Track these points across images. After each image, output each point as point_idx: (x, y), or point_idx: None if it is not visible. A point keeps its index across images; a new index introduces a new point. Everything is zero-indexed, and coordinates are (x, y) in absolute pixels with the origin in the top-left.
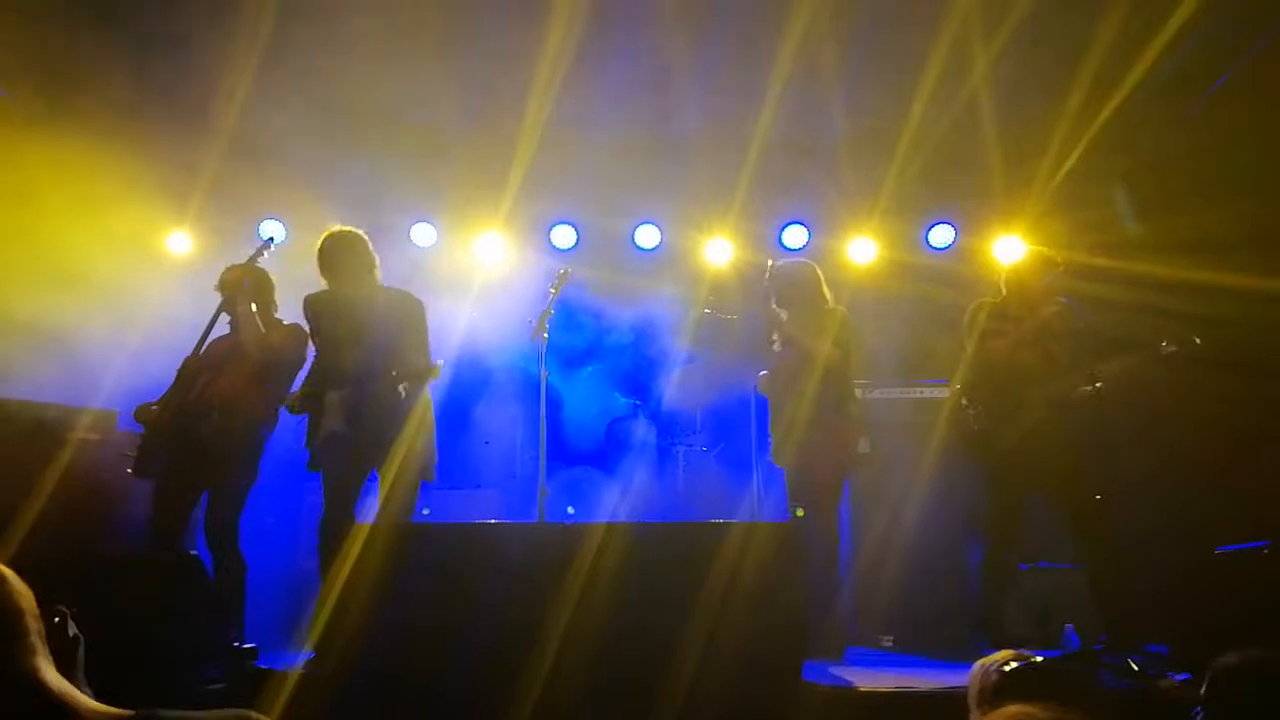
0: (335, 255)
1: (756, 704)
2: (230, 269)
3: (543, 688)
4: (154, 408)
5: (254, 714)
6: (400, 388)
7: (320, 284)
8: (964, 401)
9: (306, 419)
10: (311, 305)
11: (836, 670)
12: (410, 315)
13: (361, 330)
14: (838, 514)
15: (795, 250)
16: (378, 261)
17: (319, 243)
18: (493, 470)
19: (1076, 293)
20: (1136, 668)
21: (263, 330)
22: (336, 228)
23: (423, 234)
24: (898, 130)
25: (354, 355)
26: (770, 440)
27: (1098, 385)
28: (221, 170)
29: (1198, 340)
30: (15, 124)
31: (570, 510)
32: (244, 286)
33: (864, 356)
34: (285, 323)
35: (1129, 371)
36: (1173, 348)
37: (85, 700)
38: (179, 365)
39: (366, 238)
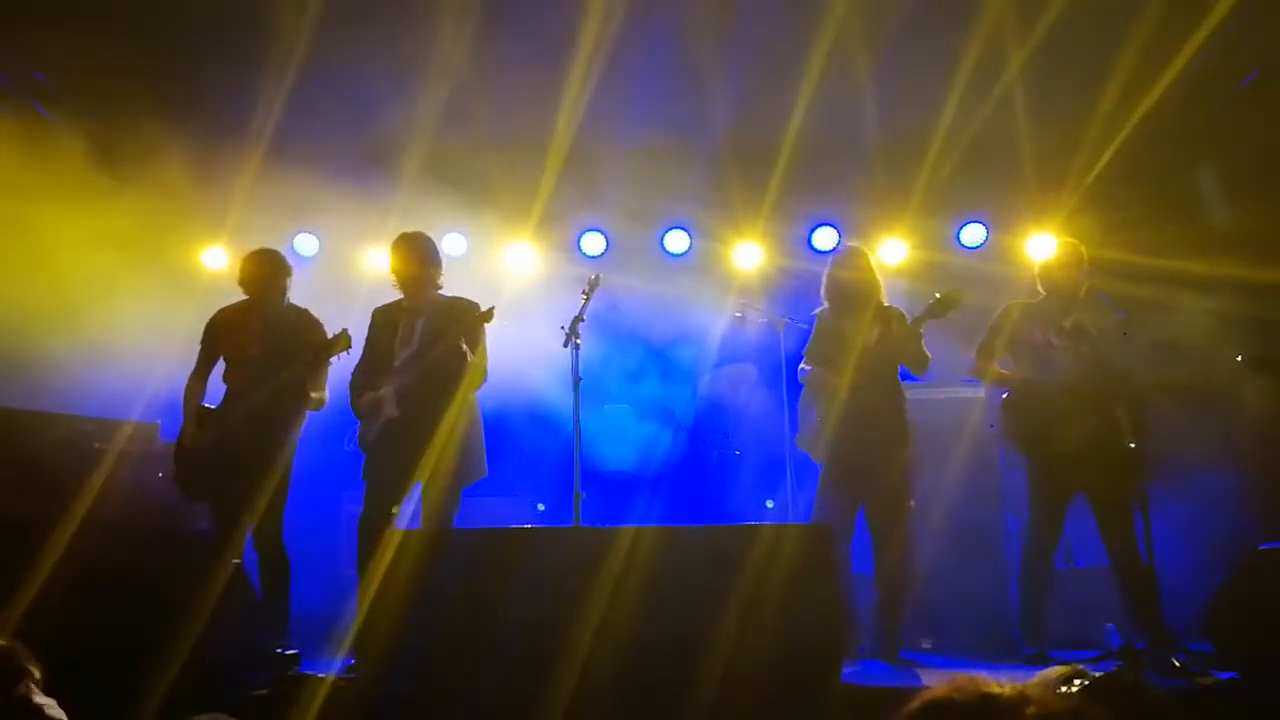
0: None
1: (789, 707)
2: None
3: (574, 691)
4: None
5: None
6: (462, 345)
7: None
8: (1018, 398)
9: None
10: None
11: (885, 671)
12: (463, 306)
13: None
14: (909, 513)
15: (824, 253)
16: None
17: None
18: (526, 478)
19: (1111, 292)
20: (1179, 665)
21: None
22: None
23: (453, 244)
24: (930, 129)
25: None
26: (800, 427)
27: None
28: (256, 185)
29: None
30: (58, 144)
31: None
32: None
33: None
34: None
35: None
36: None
37: None
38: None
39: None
